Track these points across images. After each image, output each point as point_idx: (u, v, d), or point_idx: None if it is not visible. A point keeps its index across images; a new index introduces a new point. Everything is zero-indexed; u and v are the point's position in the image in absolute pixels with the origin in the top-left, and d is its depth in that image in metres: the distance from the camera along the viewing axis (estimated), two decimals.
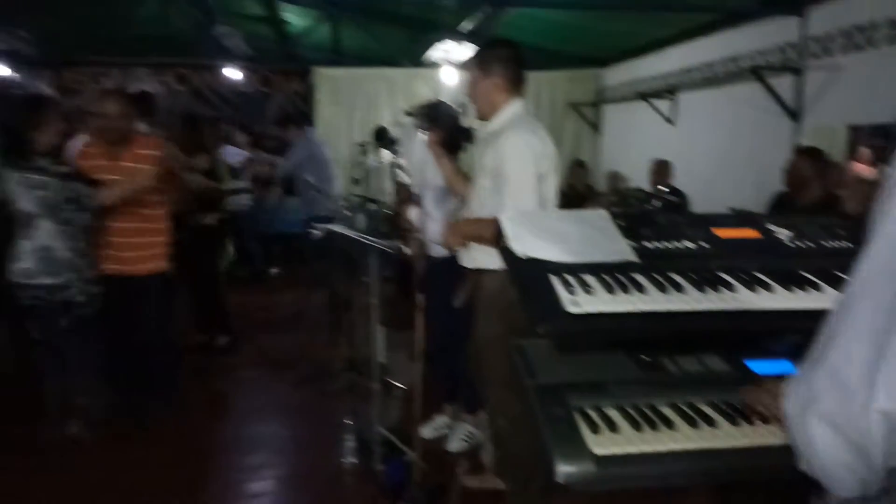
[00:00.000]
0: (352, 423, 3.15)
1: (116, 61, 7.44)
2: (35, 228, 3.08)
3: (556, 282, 1.44)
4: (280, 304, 5.88)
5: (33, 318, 3.32)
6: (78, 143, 3.71)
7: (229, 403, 3.99)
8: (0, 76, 6.74)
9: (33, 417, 3.42)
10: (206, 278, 4.55)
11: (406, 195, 4.41)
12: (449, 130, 2.88)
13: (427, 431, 3.39)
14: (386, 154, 5.63)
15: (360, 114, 7.55)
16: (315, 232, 2.89)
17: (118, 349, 3.45)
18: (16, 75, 7.04)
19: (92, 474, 3.04)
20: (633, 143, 6.57)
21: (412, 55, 7.34)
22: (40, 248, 3.08)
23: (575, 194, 6.37)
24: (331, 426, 3.43)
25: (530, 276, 1.51)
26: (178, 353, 3.94)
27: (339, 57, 7.81)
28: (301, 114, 5.82)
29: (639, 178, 5.60)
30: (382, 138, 6.21)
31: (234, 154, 6.28)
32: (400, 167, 3.88)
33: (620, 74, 6.84)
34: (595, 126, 7.49)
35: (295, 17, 6.92)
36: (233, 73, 7.14)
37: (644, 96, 5.96)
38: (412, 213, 3.15)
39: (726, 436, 1.24)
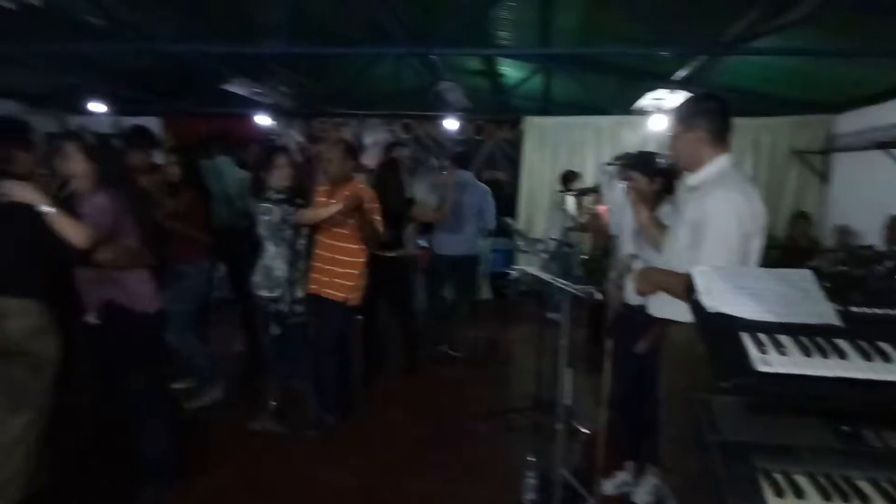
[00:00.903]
0: (534, 461, 3.23)
1: (354, 113, 8.48)
2: (264, 250, 3.78)
3: (746, 339, 1.43)
4: (476, 338, 6.13)
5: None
6: None
7: (415, 425, 4.20)
8: (263, 125, 8.06)
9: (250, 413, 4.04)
10: (393, 307, 4.93)
11: (604, 240, 4.44)
12: (660, 177, 2.91)
13: (608, 487, 3.34)
14: (570, 199, 5.73)
15: (565, 160, 7.71)
16: (512, 272, 3.06)
17: (310, 360, 4.00)
18: (274, 124, 8.36)
19: (282, 469, 3.52)
20: (867, 196, 5.88)
21: (621, 103, 7.36)
22: (264, 267, 3.77)
23: (796, 248, 5.84)
24: (512, 461, 3.54)
25: (719, 330, 1.52)
26: (347, 374, 4.24)
27: (548, 105, 8.08)
28: (463, 156, 6.10)
29: (872, 234, 5.00)
30: (568, 183, 6.28)
31: None
32: (590, 211, 3.94)
33: (856, 122, 6.20)
34: (823, 176, 6.83)
35: (510, 70, 7.33)
36: (450, 123, 7.75)
37: (884, 146, 5.35)
38: (617, 259, 3.20)
39: None
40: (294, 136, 8.51)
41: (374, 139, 8.63)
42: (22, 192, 2.59)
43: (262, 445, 3.79)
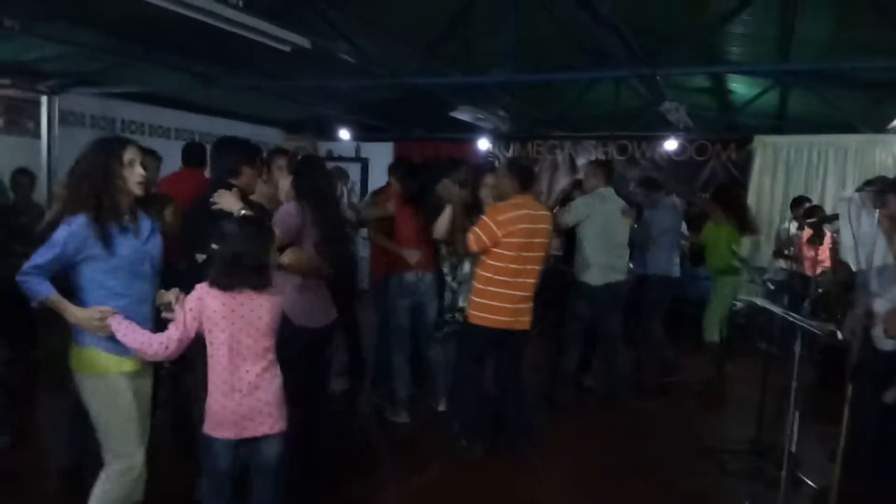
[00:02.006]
0: None
1: (568, 135, 8.57)
2: None
3: None
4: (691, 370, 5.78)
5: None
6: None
7: (618, 453, 4.09)
8: (483, 149, 8.52)
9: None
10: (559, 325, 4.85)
11: (845, 274, 3.98)
12: None
13: None
14: (794, 226, 5.15)
15: (800, 183, 7.04)
16: (737, 304, 2.91)
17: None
18: (490, 146, 8.78)
19: (481, 484, 3.59)
20: None
21: (872, 120, 6.53)
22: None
23: None
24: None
25: None
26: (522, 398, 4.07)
27: (782, 123, 7.44)
28: (654, 181, 5.79)
29: None
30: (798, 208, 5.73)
31: None
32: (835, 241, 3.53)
33: None
34: None
35: (741, 87, 6.89)
36: (670, 143, 7.48)
37: None
38: (859, 299, 2.87)
39: None
40: (502, 158, 8.84)
41: (586, 160, 8.63)
42: (225, 201, 2.91)
43: (460, 459, 3.86)
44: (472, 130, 8.16)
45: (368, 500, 3.37)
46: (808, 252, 5.70)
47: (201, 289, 2.28)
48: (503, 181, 3.85)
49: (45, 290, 2.21)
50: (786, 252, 6.07)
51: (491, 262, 3.69)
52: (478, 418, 3.91)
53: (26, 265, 2.20)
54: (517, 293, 3.71)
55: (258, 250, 2.30)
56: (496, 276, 3.67)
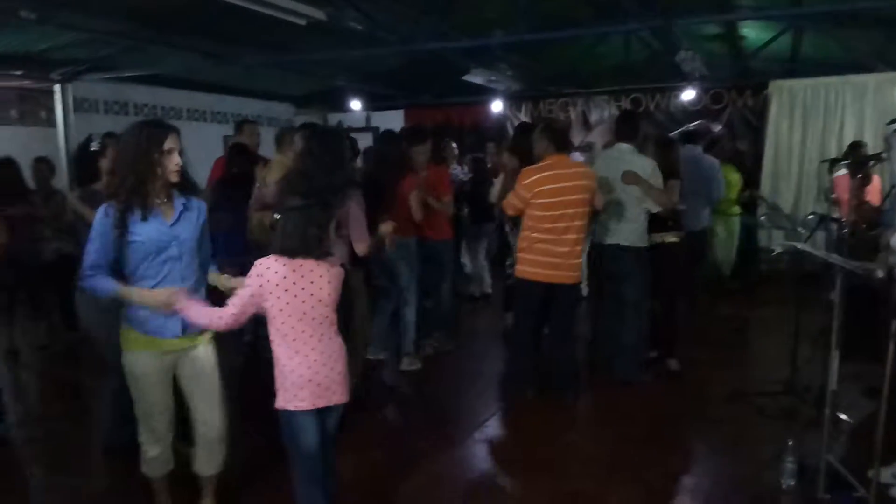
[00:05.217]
0: (792, 446, 3.09)
1: (579, 91, 8.49)
2: None
3: None
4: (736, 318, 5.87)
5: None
6: None
7: (659, 402, 4.17)
8: (497, 111, 8.46)
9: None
10: (666, 296, 4.59)
11: (870, 215, 3.99)
12: None
13: (883, 475, 3.07)
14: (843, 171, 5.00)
15: (818, 126, 6.97)
16: (777, 248, 2.94)
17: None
18: (502, 106, 8.70)
19: (536, 431, 3.73)
20: None
21: (888, 58, 6.43)
22: None
23: None
24: (764, 446, 3.43)
25: None
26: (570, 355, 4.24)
27: (796, 66, 7.34)
28: (691, 133, 5.72)
29: None
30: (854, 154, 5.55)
31: None
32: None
33: None
34: None
35: (753, 32, 6.78)
36: (685, 94, 7.40)
37: None
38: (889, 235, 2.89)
39: None
40: (528, 119, 8.76)
41: (599, 116, 8.56)
42: None
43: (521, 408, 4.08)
44: (482, 93, 8.10)
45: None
46: (846, 195, 5.45)
47: (262, 265, 2.26)
48: (537, 143, 3.98)
49: (109, 287, 2.27)
50: (832, 197, 5.86)
51: (528, 222, 3.96)
52: (528, 365, 4.20)
53: (81, 269, 2.29)
54: (555, 248, 3.89)
55: (321, 220, 2.32)
56: (532, 234, 3.93)
